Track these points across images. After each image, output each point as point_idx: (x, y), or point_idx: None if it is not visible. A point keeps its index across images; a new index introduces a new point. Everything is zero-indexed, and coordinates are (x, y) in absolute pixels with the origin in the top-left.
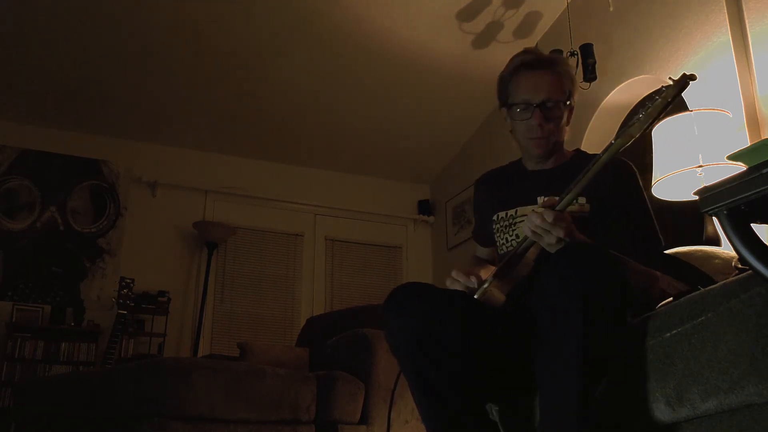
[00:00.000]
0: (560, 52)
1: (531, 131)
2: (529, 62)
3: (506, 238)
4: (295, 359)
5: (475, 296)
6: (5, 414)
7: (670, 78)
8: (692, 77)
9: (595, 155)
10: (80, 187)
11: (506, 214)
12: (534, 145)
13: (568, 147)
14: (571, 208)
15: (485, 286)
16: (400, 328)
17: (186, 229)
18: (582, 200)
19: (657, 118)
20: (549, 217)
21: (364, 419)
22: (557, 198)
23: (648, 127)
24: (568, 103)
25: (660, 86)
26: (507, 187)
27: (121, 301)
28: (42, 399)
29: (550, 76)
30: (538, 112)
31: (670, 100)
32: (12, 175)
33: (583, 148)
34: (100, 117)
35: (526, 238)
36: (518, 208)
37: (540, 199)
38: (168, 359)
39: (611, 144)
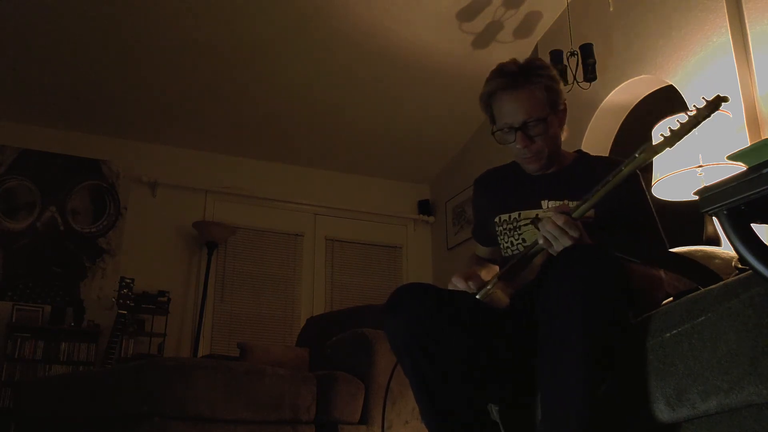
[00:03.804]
0: (560, 52)
1: (519, 152)
2: (502, 85)
3: (511, 242)
4: (295, 359)
5: (477, 296)
6: (5, 414)
7: (702, 98)
8: (725, 99)
9: (598, 157)
10: (80, 187)
11: (509, 217)
12: (526, 163)
13: (569, 147)
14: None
15: (489, 287)
16: (400, 327)
17: (186, 229)
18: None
19: (684, 137)
20: (560, 220)
21: (364, 419)
22: (569, 205)
23: (674, 145)
24: (552, 113)
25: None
26: (509, 189)
27: (121, 301)
28: (42, 399)
29: (525, 95)
30: (521, 135)
31: (700, 120)
32: (12, 175)
33: (583, 148)
34: (100, 117)
35: (534, 243)
36: (521, 212)
37: (545, 203)
38: (168, 359)
39: (634, 158)
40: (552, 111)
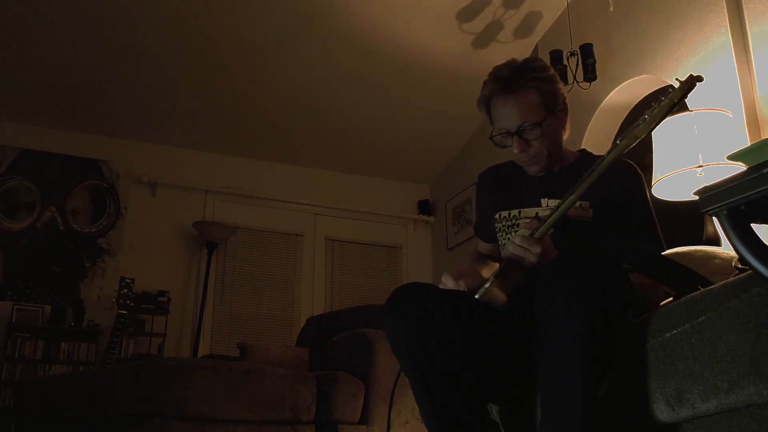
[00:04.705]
0: (560, 52)
1: (517, 157)
2: (495, 91)
3: (509, 238)
4: (295, 359)
5: (476, 296)
6: (5, 414)
7: (676, 79)
8: (699, 78)
9: (600, 156)
10: (80, 187)
11: (509, 214)
12: (525, 166)
13: (569, 148)
14: (573, 211)
15: (486, 286)
16: (400, 327)
17: (186, 229)
18: (585, 204)
19: (662, 119)
20: (523, 243)
21: (364, 419)
22: (537, 222)
23: (653, 128)
24: (548, 116)
25: (665, 86)
26: (510, 186)
27: (121, 301)
28: (42, 399)
29: (519, 100)
30: (517, 140)
31: (676, 101)
32: (12, 175)
33: (582, 148)
34: (100, 117)
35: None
36: (521, 210)
37: (545, 201)
38: (168, 359)
39: (616, 145)
40: (549, 113)
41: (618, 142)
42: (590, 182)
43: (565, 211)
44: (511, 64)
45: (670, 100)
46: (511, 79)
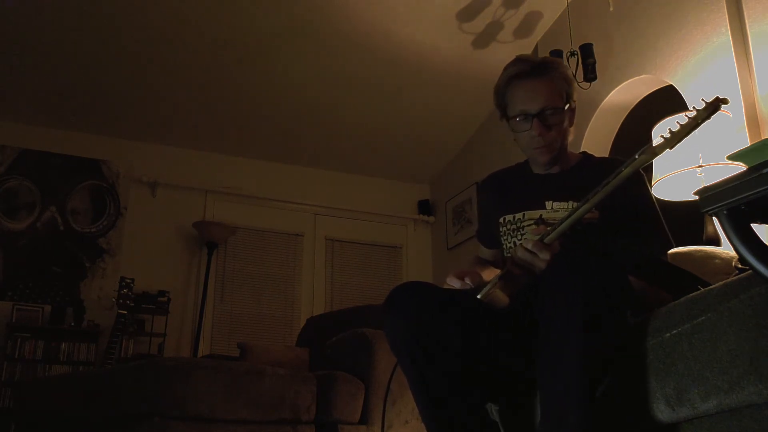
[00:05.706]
0: (560, 52)
1: (533, 141)
2: (522, 72)
3: (514, 242)
4: (295, 359)
5: (479, 296)
6: (5, 414)
7: (702, 100)
8: (724, 101)
9: (602, 158)
10: (80, 187)
11: (513, 217)
12: (538, 153)
13: (570, 147)
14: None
15: (489, 287)
16: (399, 327)
17: (186, 229)
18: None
19: (683, 138)
20: (528, 245)
21: (364, 419)
22: (546, 227)
23: (674, 146)
24: (567, 106)
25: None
26: (513, 190)
27: (121, 301)
28: (42, 399)
29: (545, 83)
30: (537, 122)
31: (699, 122)
32: (12, 175)
33: (583, 148)
34: (100, 117)
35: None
36: (525, 212)
37: (549, 203)
38: (168, 359)
39: (634, 159)
40: (567, 105)
41: (637, 156)
42: (605, 194)
43: (577, 220)
44: (534, 56)
45: (694, 120)
46: (540, 64)
